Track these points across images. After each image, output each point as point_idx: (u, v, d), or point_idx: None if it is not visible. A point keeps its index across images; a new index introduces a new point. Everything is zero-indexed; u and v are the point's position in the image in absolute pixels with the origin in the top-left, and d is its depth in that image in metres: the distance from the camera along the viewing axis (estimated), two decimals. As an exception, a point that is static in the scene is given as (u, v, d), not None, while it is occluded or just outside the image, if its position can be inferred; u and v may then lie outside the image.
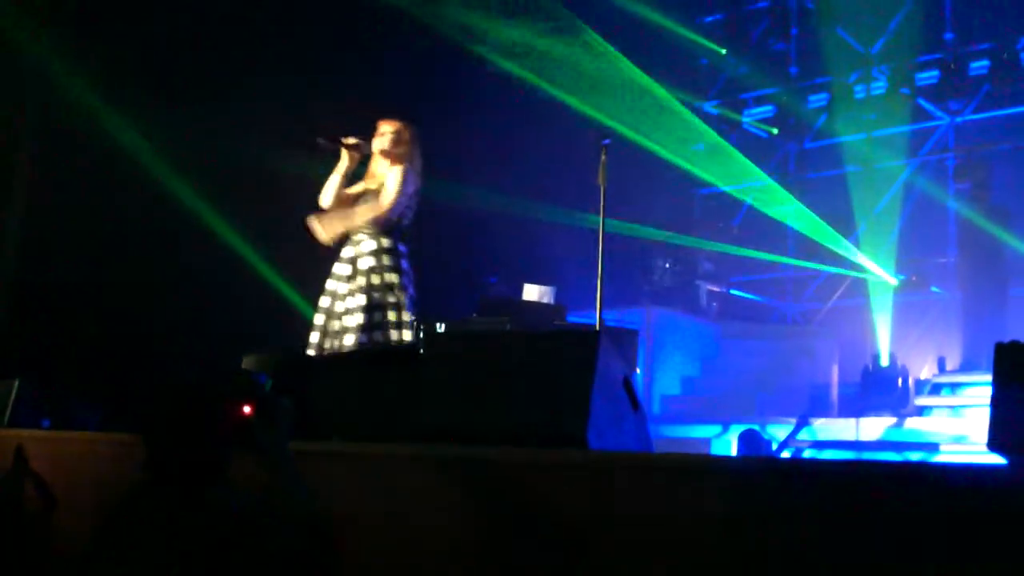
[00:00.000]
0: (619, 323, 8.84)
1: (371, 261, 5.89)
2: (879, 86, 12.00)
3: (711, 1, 13.05)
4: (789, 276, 13.08)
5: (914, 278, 11.31)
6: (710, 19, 12.99)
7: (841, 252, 11.87)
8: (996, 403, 3.22)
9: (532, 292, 7.96)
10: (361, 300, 5.82)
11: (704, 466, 3.63)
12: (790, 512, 3.22)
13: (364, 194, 6.08)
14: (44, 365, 7.32)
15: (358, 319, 5.81)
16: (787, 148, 13.11)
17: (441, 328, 7.12)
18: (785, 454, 8.66)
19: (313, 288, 6.19)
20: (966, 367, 10.11)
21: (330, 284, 6.01)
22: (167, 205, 8.42)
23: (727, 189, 13.15)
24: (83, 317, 8.01)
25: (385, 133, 6.05)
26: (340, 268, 5.99)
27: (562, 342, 4.19)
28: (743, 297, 12.87)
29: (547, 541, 3.64)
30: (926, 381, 10.29)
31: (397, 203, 5.93)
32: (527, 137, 10.46)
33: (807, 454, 8.94)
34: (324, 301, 5.98)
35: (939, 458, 8.14)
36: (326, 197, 6.06)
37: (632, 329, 8.19)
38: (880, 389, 10.01)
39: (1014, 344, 3.25)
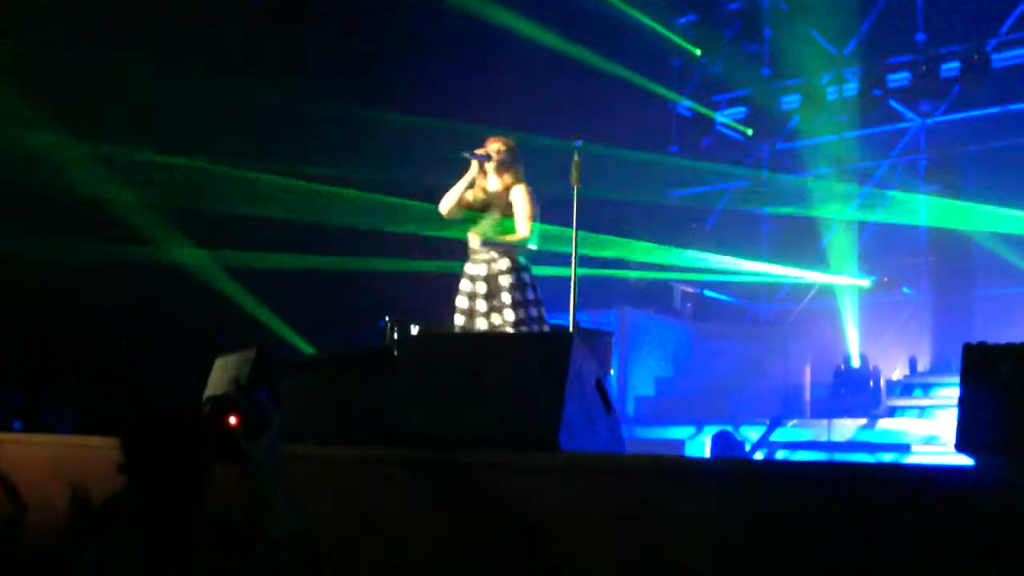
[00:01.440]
0: (593, 324, 8.85)
1: (511, 279, 5.90)
2: (851, 87, 12.07)
3: (686, 2, 13.08)
4: (763, 276, 13.13)
5: (885, 279, 11.38)
6: (683, 20, 13.03)
7: (815, 253, 11.92)
8: (963, 404, 3.26)
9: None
10: (510, 317, 5.80)
11: (677, 468, 3.64)
12: (763, 513, 3.24)
13: (485, 206, 6.06)
14: (17, 368, 7.27)
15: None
16: (760, 149, 13.17)
17: (415, 330, 7.12)
18: (758, 455, 8.71)
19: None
20: (936, 368, 10.20)
21: (462, 302, 5.96)
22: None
23: (701, 190, 13.20)
24: (57, 321, 7.94)
25: (501, 150, 6.09)
26: (476, 286, 5.95)
27: (535, 344, 4.19)
28: (717, 298, 12.91)
29: (521, 543, 3.64)
30: (897, 382, 10.37)
31: (534, 229, 6.00)
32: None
33: (780, 455, 8.98)
34: (458, 319, 5.92)
35: (910, 459, 8.20)
36: (448, 204, 6.05)
37: (606, 331, 8.20)
38: (852, 390, 10.08)
39: (981, 345, 3.28)
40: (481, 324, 5.83)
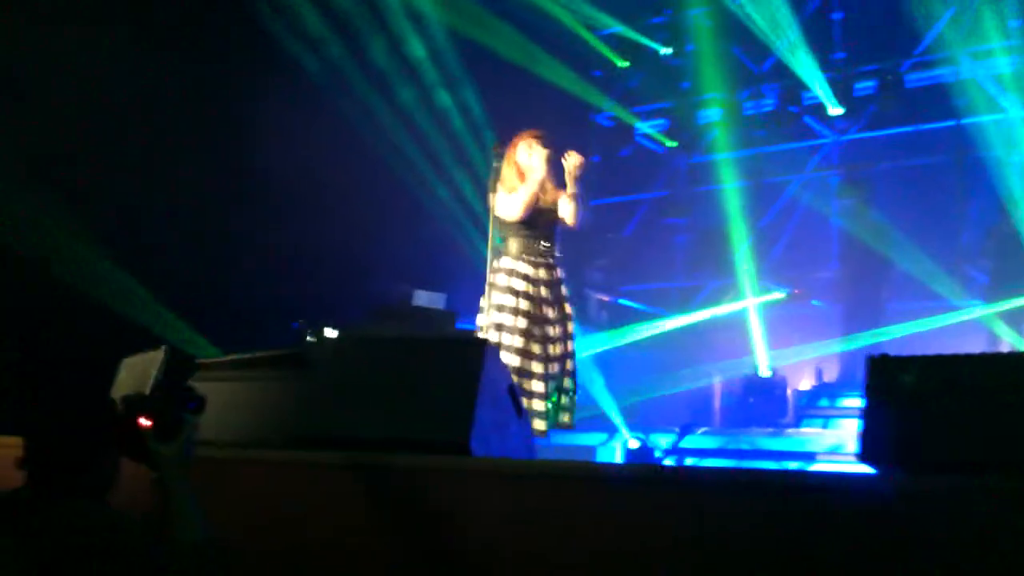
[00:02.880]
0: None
1: (566, 289, 5.87)
2: (768, 103, 12.28)
3: (610, 14, 13.18)
4: (677, 287, 13.29)
5: (797, 291, 11.59)
6: (607, 31, 13.13)
7: (728, 264, 12.08)
8: (866, 415, 3.33)
9: (422, 299, 7.95)
10: (564, 329, 5.79)
11: (586, 473, 3.67)
12: (671, 518, 3.27)
13: (548, 207, 5.87)
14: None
15: (567, 347, 5.81)
16: (678, 161, 13.33)
17: (329, 333, 7.06)
18: (668, 462, 8.80)
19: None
20: (843, 379, 10.41)
21: (521, 303, 5.67)
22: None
23: (619, 200, 13.30)
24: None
25: (542, 143, 5.92)
26: (540, 290, 5.74)
27: (448, 349, 4.19)
28: (631, 307, 13.02)
29: (434, 546, 3.64)
30: (805, 392, 10.56)
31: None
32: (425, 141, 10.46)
33: (689, 462, 9.09)
34: (520, 322, 5.62)
35: (815, 467, 8.36)
36: (526, 208, 5.77)
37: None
38: (760, 399, 10.25)
39: (884, 357, 3.36)
40: (550, 331, 5.70)
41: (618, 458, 8.85)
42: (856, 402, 9.44)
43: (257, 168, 8.84)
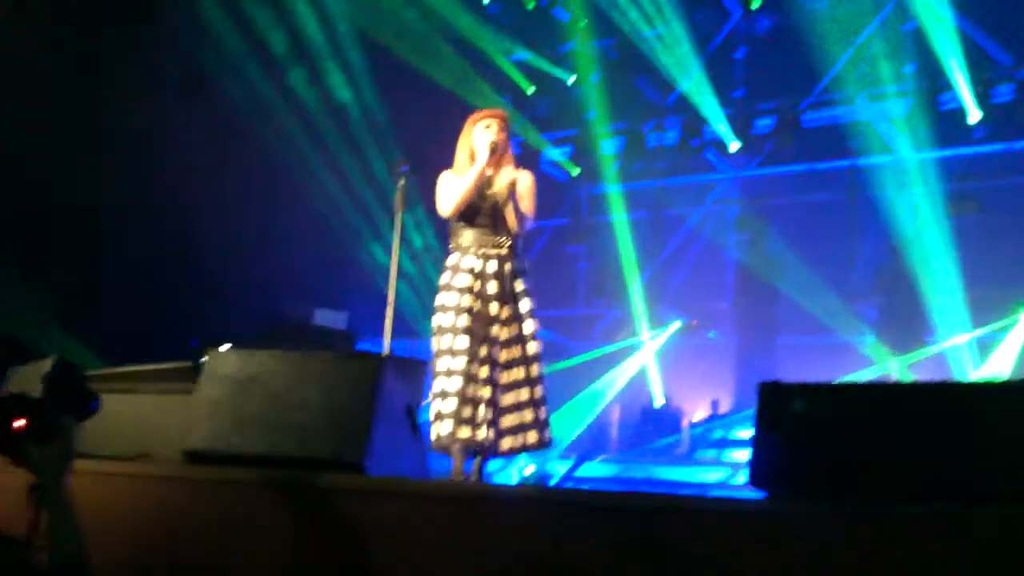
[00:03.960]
0: (409, 353, 8.81)
1: (521, 284, 5.19)
2: (671, 136, 12.47)
3: (519, 40, 13.26)
4: (578, 314, 13.39)
5: (694, 322, 11.77)
6: (516, 58, 13.22)
7: (628, 294, 12.21)
8: (757, 440, 3.39)
9: (323, 317, 7.87)
10: (530, 328, 5.13)
11: (480, 495, 3.66)
12: (563, 540, 3.29)
13: (492, 197, 5.21)
14: None
15: (528, 350, 5.12)
16: (581, 190, 13.46)
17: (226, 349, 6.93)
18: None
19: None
20: (738, 409, 10.58)
21: (464, 300, 5.05)
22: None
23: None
24: None
25: (501, 125, 5.29)
26: (486, 285, 5.08)
27: (347, 367, 4.15)
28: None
29: (328, 564, 3.60)
30: (700, 422, 10.71)
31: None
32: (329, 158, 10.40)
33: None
34: (462, 320, 5.02)
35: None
36: (458, 204, 5.16)
37: (420, 360, 8.18)
38: (657, 429, 10.37)
39: (775, 384, 3.43)
40: (496, 331, 5.05)
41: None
42: (749, 433, 9.60)
43: (156, 183, 8.68)
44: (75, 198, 8.25)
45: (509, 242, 5.20)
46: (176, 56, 9.27)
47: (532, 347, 5.14)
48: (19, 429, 2.70)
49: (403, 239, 6.16)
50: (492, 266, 5.12)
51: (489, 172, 5.20)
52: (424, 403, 8.32)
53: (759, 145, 12.19)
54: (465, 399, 4.90)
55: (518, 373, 5.09)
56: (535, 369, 5.13)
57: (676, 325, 11.81)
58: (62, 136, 8.23)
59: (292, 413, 4.09)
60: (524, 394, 5.09)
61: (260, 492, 3.81)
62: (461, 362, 4.94)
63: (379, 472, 3.86)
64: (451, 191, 5.18)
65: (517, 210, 5.17)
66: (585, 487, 9.18)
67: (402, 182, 6.05)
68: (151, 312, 8.54)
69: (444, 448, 4.86)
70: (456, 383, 4.91)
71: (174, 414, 4.48)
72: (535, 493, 3.49)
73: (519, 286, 5.17)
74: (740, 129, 11.93)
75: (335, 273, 10.00)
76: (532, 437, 5.06)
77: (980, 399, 3.21)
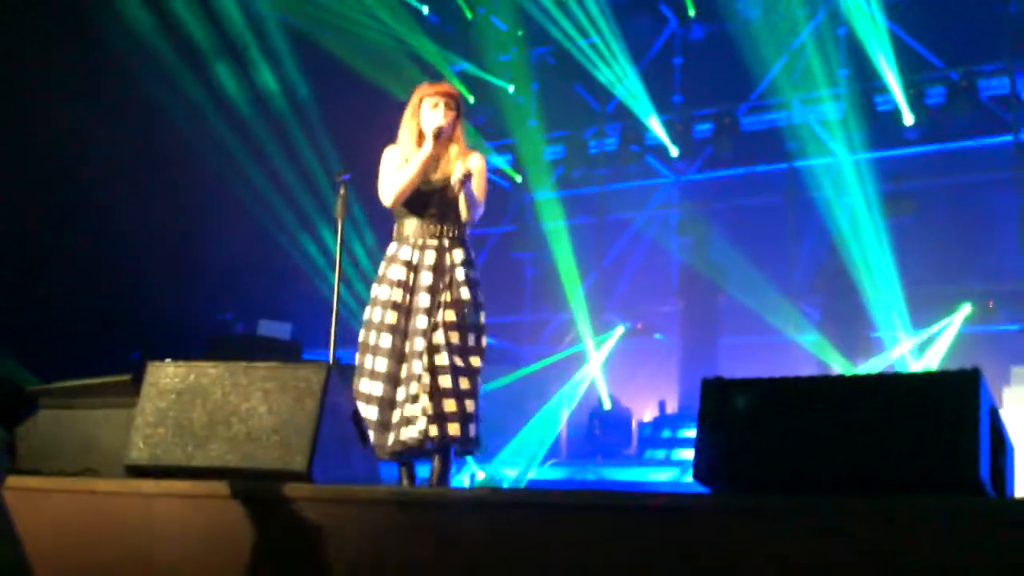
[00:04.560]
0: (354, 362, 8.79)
1: (463, 273, 4.87)
2: (611, 142, 12.57)
3: (459, 51, 13.28)
4: (526, 320, 13.43)
5: (639, 325, 11.85)
6: (457, 68, 13.25)
7: (573, 299, 12.26)
8: (700, 436, 3.43)
9: (267, 328, 7.83)
10: (473, 319, 4.82)
11: (425, 499, 3.66)
12: (509, 540, 3.30)
13: (438, 183, 4.93)
14: None
15: (452, 337, 4.75)
16: (526, 197, 13.51)
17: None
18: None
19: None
20: (683, 409, 10.67)
21: (394, 294, 4.84)
22: None
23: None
24: None
25: (450, 105, 4.98)
26: (419, 277, 4.84)
27: (290, 375, 4.12)
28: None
29: (278, 573, 3.58)
30: (648, 423, 10.79)
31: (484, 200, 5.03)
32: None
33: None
34: (388, 316, 4.80)
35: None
36: (399, 192, 4.87)
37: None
38: (605, 431, 10.42)
39: (718, 380, 3.47)
40: (422, 323, 4.75)
41: (465, 490, 8.82)
42: (694, 432, 9.67)
43: (84, 192, 8.55)
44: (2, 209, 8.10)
45: (453, 231, 4.94)
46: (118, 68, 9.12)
47: (467, 337, 4.82)
48: None
49: (345, 246, 6.13)
50: (429, 257, 4.87)
51: (434, 154, 4.92)
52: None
53: (699, 150, 12.32)
54: (387, 404, 4.72)
55: (444, 359, 4.72)
56: (468, 359, 4.79)
57: (620, 330, 11.87)
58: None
59: (235, 424, 4.06)
60: (447, 382, 4.70)
61: (205, 504, 3.78)
62: (383, 364, 4.76)
63: (326, 480, 3.83)
64: (392, 180, 4.89)
65: (468, 195, 4.88)
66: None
67: (343, 190, 6.02)
68: (89, 326, 8.42)
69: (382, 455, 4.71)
70: (378, 388, 4.74)
71: (116, 428, 4.42)
72: (480, 495, 3.50)
73: (460, 275, 4.87)
74: (680, 134, 12.07)
75: (278, 284, 9.93)
76: (454, 429, 4.68)
77: (918, 390, 3.26)
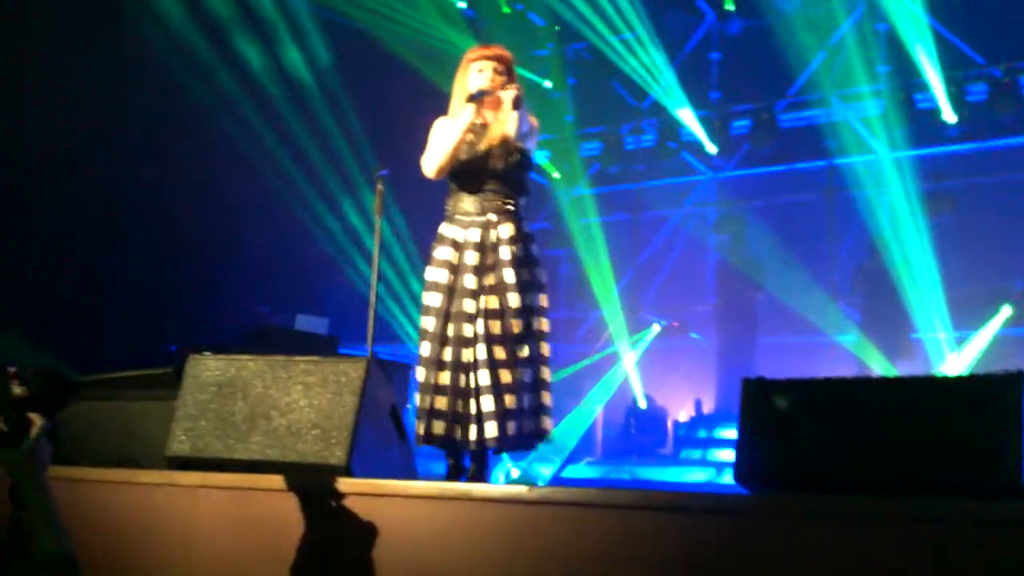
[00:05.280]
0: (393, 357, 8.82)
1: (509, 251, 4.48)
2: (648, 139, 12.52)
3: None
4: (560, 318, 13.40)
5: (676, 324, 11.79)
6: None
7: (608, 296, 12.23)
8: (741, 437, 3.39)
9: (304, 323, 7.86)
10: (514, 302, 4.42)
11: (466, 495, 3.65)
12: (544, 535, 3.30)
13: (484, 153, 4.59)
14: None
15: (493, 327, 4.41)
16: (562, 193, 13.47)
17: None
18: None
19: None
20: (720, 409, 10.61)
21: (440, 275, 4.51)
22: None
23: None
24: None
25: (498, 69, 4.65)
26: (464, 256, 4.50)
27: (330, 369, 4.14)
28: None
29: (315, 567, 3.59)
30: (683, 423, 10.73)
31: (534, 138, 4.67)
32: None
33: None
34: (433, 299, 4.48)
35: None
36: (440, 164, 4.57)
37: (404, 363, 8.19)
38: (641, 430, 10.38)
39: (760, 380, 3.43)
40: (468, 306, 4.42)
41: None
42: (731, 432, 9.64)
43: (136, 186, 8.63)
44: (45, 200, 8.17)
45: (499, 203, 4.56)
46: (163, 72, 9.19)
47: (511, 325, 4.42)
48: None
49: (383, 244, 6.14)
50: (474, 234, 4.51)
51: (479, 122, 4.62)
52: (407, 407, 8.33)
53: (736, 146, 12.24)
54: (432, 389, 4.39)
55: (483, 352, 4.37)
56: (512, 350, 4.41)
57: (656, 328, 11.82)
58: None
59: (276, 417, 4.08)
60: (485, 378, 4.36)
61: (245, 497, 3.80)
62: (427, 348, 4.44)
63: (365, 474, 3.84)
64: (433, 151, 4.60)
65: (519, 119, 4.51)
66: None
67: (380, 186, 6.02)
68: (127, 319, 8.49)
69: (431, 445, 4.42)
70: (422, 373, 4.44)
71: (156, 420, 4.46)
72: (514, 492, 3.48)
73: (505, 253, 4.49)
74: (717, 131, 11.99)
75: (317, 279, 9.97)
76: (490, 430, 4.32)
77: (961, 393, 3.22)
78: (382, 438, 4.21)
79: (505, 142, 4.55)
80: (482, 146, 4.58)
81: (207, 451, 4.08)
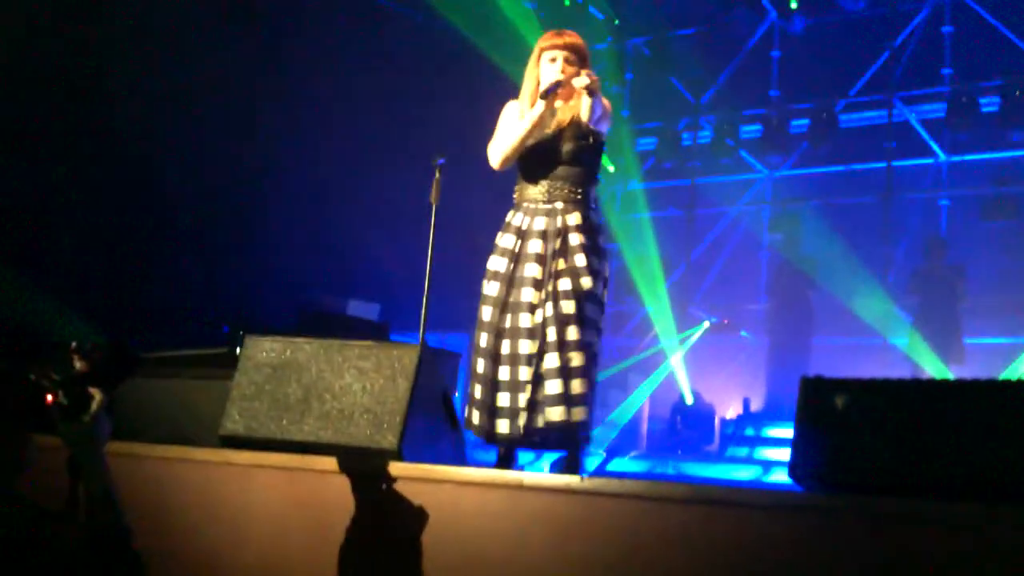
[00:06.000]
0: (442, 345, 8.86)
1: (578, 238, 4.32)
2: (705, 135, 12.44)
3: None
4: (608, 311, 13.34)
5: (726, 321, 11.71)
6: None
7: (658, 291, 12.17)
8: (798, 434, 3.37)
9: (356, 308, 7.90)
10: (587, 283, 4.28)
11: (513, 482, 3.66)
12: (592, 527, 3.30)
13: (551, 141, 4.46)
14: None
15: (566, 308, 4.24)
16: (615, 187, 13.43)
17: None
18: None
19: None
20: (769, 409, 10.54)
21: (500, 264, 4.40)
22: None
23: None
24: None
25: (570, 60, 4.50)
26: (527, 245, 4.37)
27: (382, 354, 4.16)
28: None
29: (369, 549, 3.62)
30: (731, 420, 10.67)
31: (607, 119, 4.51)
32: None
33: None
34: (491, 288, 4.38)
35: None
36: (507, 154, 4.48)
37: (454, 352, 8.22)
38: (688, 426, 10.33)
39: (818, 378, 3.41)
40: (527, 295, 4.29)
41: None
42: (779, 432, 9.57)
43: (194, 170, 8.72)
44: (103, 185, 8.28)
45: (569, 192, 4.41)
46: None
47: (573, 306, 4.24)
48: (50, 404, 2.72)
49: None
50: (540, 223, 4.37)
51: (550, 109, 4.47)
52: (455, 395, 8.34)
53: (794, 145, 12.13)
54: (486, 381, 4.27)
55: (552, 335, 4.21)
56: (575, 332, 4.22)
57: (706, 325, 11.75)
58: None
59: (329, 400, 4.11)
60: (553, 360, 4.18)
61: (298, 477, 3.83)
62: (484, 339, 4.32)
63: (415, 459, 3.87)
64: (500, 140, 4.49)
65: (592, 104, 4.35)
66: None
67: (438, 175, 6.03)
68: (180, 299, 8.60)
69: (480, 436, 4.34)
70: (480, 365, 4.31)
71: (211, 399, 4.51)
72: (570, 484, 3.48)
73: (574, 239, 4.32)
74: (775, 129, 11.87)
75: (369, 265, 10.00)
76: (555, 414, 4.15)
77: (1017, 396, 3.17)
78: (433, 425, 4.24)
79: (576, 125, 4.43)
80: (551, 130, 4.45)
81: (260, 431, 4.13)
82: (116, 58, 8.42)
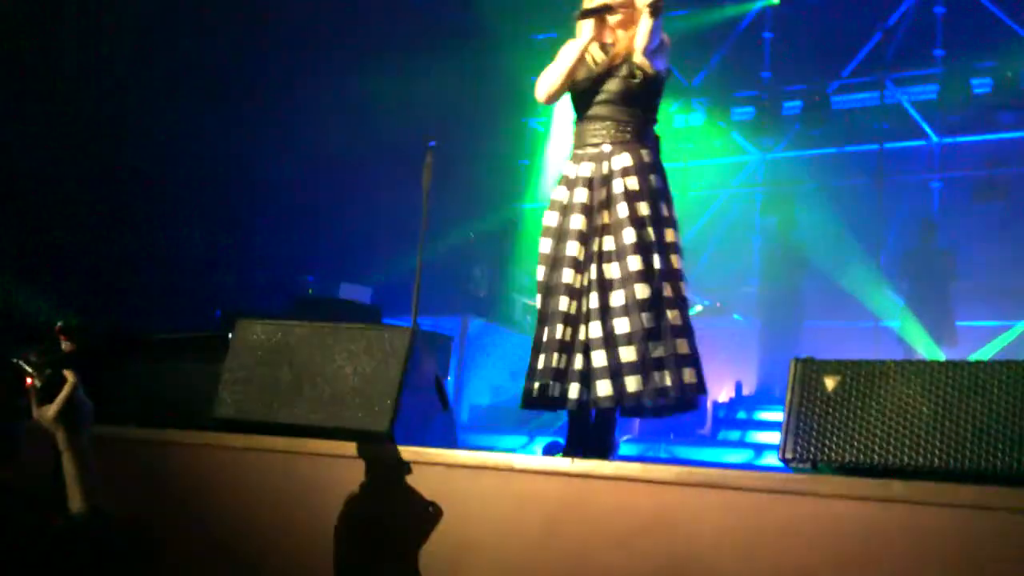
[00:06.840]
0: (435, 328, 8.85)
1: (621, 184, 3.94)
2: (697, 117, 12.41)
3: (546, 23, 13.15)
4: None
5: (718, 304, 11.71)
6: (542, 36, 13.14)
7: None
8: (789, 416, 3.37)
9: (348, 291, 7.90)
10: (629, 238, 3.87)
11: (508, 466, 3.66)
12: (584, 510, 3.30)
13: (602, 76, 4.08)
14: None
15: (607, 271, 3.90)
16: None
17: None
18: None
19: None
20: (761, 392, 10.55)
21: (551, 219, 4.09)
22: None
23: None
24: None
25: None
26: (573, 194, 4.05)
27: (374, 337, 4.15)
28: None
29: (355, 532, 3.62)
30: (723, 404, 10.68)
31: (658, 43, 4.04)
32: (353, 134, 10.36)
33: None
34: (544, 245, 4.08)
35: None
36: (553, 87, 4.11)
37: (446, 335, 8.22)
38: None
39: (809, 360, 3.41)
40: (572, 249, 3.94)
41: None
42: (771, 415, 9.59)
43: (183, 156, 8.69)
44: (97, 166, 8.26)
45: (617, 131, 4.03)
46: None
47: (633, 262, 3.84)
48: (28, 387, 2.70)
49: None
50: (586, 169, 4.01)
51: (608, 41, 4.15)
52: (447, 379, 8.32)
53: (787, 127, 12.11)
54: (537, 345, 3.94)
55: (595, 301, 3.86)
56: (632, 291, 3.82)
57: (698, 308, 11.73)
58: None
59: (321, 383, 4.11)
60: (596, 330, 3.83)
61: (290, 460, 3.83)
62: (539, 300, 4.01)
63: (407, 441, 3.87)
64: (547, 73, 4.12)
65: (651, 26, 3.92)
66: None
67: (429, 158, 6.03)
68: (174, 285, 8.58)
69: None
70: (536, 328, 3.98)
71: (203, 383, 4.50)
72: (558, 466, 3.48)
73: (618, 187, 3.94)
74: (768, 111, 11.85)
75: (361, 248, 9.99)
76: (603, 388, 3.78)
77: (1017, 379, 3.18)
78: (425, 407, 4.24)
79: (628, 59, 4.05)
80: (600, 66, 4.08)
81: (252, 414, 4.12)
82: (104, 43, 8.38)
